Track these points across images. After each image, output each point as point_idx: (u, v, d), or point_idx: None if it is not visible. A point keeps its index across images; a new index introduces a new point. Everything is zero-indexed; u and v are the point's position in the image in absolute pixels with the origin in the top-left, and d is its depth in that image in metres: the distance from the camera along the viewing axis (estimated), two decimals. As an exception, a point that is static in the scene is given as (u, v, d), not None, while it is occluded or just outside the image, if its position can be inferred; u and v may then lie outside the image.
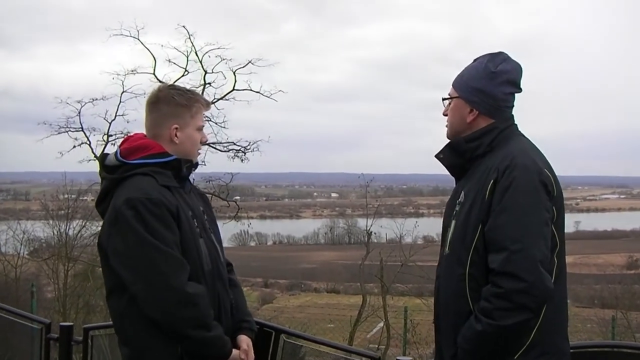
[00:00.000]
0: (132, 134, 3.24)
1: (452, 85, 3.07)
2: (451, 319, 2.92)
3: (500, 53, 3.01)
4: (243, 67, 19.52)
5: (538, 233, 2.71)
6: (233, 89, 19.54)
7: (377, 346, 19.66)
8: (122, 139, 3.22)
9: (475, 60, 3.04)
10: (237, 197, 26.61)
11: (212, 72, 19.41)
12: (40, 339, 4.79)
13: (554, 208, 2.79)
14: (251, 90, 19.46)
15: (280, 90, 19.78)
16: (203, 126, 3.22)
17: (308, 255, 62.46)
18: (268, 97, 19.70)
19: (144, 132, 3.17)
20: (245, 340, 3.13)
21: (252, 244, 69.31)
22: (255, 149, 20.00)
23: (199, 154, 3.26)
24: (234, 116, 23.16)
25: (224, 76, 19.42)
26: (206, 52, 19.36)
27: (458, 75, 3.06)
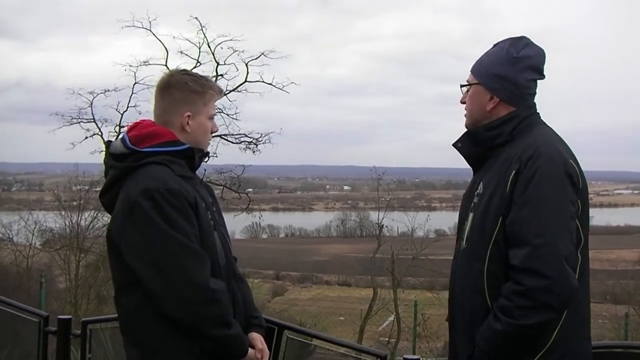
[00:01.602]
0: (139, 120, 3.03)
1: (471, 71, 2.91)
2: (467, 316, 2.76)
3: (522, 37, 2.84)
4: (255, 58, 19.56)
5: (563, 227, 2.55)
6: (245, 81, 19.57)
7: (387, 340, 19.66)
8: (129, 126, 3.02)
9: (495, 45, 2.87)
10: (250, 190, 26.63)
11: (225, 64, 19.48)
12: (39, 332, 4.61)
13: (578, 201, 2.63)
14: (263, 82, 19.48)
15: (292, 82, 19.81)
16: (215, 115, 3.06)
17: (320, 247, 62.36)
18: (280, 89, 19.75)
19: (152, 119, 3.00)
20: (258, 339, 2.98)
21: (264, 236, 69.33)
22: (267, 141, 20.04)
23: (210, 143, 3.11)
24: (246, 108, 23.15)
25: (236, 68, 19.48)
26: (218, 44, 19.37)
27: (477, 61, 2.90)
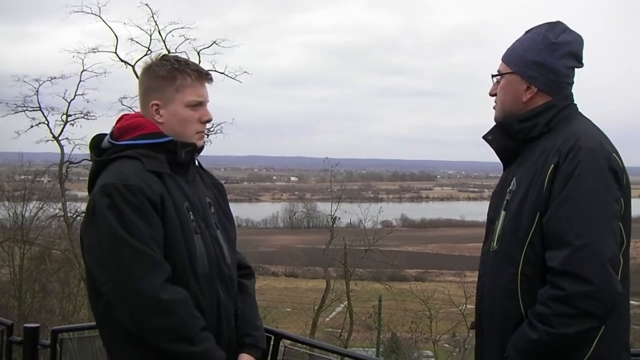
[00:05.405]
0: (132, 113, 2.82)
1: (503, 59, 2.69)
2: (498, 324, 2.56)
3: (559, 23, 2.63)
4: (207, 47, 19.23)
5: (607, 227, 2.35)
6: (197, 70, 19.19)
7: (339, 331, 19.62)
8: (119, 117, 2.78)
9: (528, 32, 2.66)
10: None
11: (176, 52, 19.06)
12: (2, 342, 4.22)
13: (622, 199, 2.43)
14: (216, 71, 19.15)
15: (245, 72, 19.55)
16: (199, 102, 2.70)
17: (267, 239, 62.22)
18: (233, 78, 19.46)
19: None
20: None
21: (211, 227, 68.87)
22: (218, 131, 19.76)
23: (203, 135, 2.77)
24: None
25: (187, 56, 19.06)
26: (170, 32, 19.02)
27: (509, 49, 2.68)
